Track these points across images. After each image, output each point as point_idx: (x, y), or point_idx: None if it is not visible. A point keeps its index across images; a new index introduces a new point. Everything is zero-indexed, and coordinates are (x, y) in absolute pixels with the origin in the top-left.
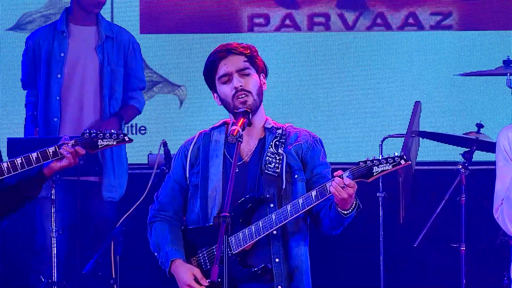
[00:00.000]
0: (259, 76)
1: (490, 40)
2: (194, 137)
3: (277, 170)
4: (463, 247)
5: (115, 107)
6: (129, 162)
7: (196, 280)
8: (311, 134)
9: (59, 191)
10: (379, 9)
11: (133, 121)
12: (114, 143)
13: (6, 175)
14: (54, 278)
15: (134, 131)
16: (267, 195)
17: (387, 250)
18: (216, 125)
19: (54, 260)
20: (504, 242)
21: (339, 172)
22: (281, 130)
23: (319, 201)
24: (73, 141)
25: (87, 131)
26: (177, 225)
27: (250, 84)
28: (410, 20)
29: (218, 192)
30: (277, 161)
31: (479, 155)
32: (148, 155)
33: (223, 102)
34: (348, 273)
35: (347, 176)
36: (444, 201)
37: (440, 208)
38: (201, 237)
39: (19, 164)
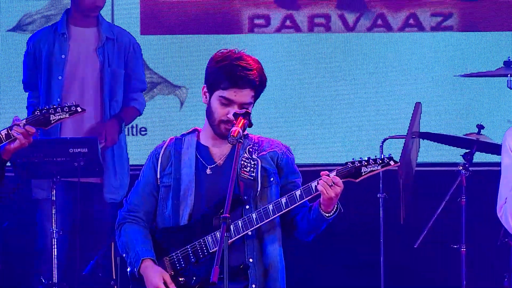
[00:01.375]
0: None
1: (491, 41)
2: (165, 142)
3: (252, 174)
4: (463, 248)
5: (115, 108)
6: (129, 163)
7: (165, 284)
8: (282, 143)
9: (60, 193)
10: (379, 10)
11: (134, 122)
12: (67, 115)
13: None
14: (55, 279)
15: (135, 132)
16: (245, 197)
17: (388, 250)
18: (187, 131)
19: (55, 261)
20: (504, 243)
21: (325, 172)
22: (253, 139)
23: (303, 200)
24: (24, 120)
25: (39, 108)
26: (147, 227)
27: None
28: (411, 21)
29: (190, 193)
30: (252, 165)
31: (479, 156)
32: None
33: (209, 111)
34: (349, 273)
35: (334, 175)
36: (444, 202)
37: (440, 209)
38: (174, 237)
39: None
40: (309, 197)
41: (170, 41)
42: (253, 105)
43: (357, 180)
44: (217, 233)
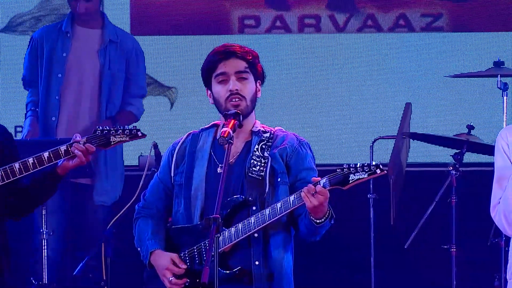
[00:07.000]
0: (256, 83)
1: (481, 41)
2: (183, 137)
3: (261, 174)
4: (453, 248)
5: (112, 111)
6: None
7: (175, 264)
8: (298, 137)
9: None
10: (369, 11)
11: None
12: (127, 138)
13: (18, 176)
14: (45, 280)
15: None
16: (250, 198)
17: (378, 251)
18: (206, 126)
19: (45, 261)
20: (494, 243)
21: (317, 179)
22: (268, 133)
23: (296, 206)
24: (85, 139)
25: (100, 128)
26: (160, 220)
27: (246, 89)
28: (401, 22)
29: (201, 192)
30: (262, 164)
31: (469, 157)
32: (139, 157)
33: (216, 102)
34: (339, 274)
35: (324, 183)
36: (434, 202)
37: (430, 209)
38: (184, 237)
39: (31, 164)
40: (302, 204)
41: (160, 42)
42: (256, 80)
43: (345, 188)
44: (219, 235)
